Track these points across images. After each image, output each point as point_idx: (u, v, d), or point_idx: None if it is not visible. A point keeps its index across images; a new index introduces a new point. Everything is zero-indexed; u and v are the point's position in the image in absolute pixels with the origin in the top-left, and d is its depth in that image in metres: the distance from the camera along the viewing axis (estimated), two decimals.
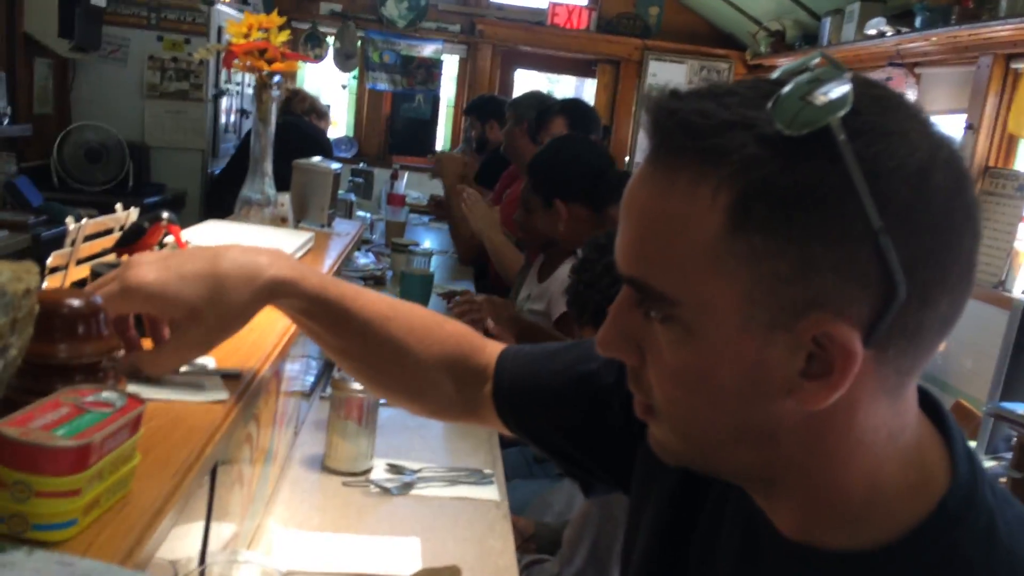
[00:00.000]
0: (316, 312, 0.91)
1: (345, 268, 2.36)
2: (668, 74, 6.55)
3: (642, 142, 6.64)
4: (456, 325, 1.00)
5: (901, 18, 3.87)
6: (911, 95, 3.92)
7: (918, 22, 3.70)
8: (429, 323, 0.97)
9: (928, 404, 0.63)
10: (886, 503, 0.58)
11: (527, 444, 0.97)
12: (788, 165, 0.52)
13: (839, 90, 0.52)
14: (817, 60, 0.56)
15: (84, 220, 1.12)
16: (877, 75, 4.03)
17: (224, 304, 0.86)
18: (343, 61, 6.34)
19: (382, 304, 0.95)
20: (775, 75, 0.58)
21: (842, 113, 0.52)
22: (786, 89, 0.53)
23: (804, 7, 5.14)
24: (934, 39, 3.70)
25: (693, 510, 0.73)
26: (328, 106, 4.72)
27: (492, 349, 0.98)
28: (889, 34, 3.90)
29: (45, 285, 1.04)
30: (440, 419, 1.05)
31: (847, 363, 0.54)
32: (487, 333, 2.00)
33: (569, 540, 1.56)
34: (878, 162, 0.52)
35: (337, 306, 0.91)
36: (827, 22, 4.75)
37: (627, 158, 6.56)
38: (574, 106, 3.30)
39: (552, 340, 2.12)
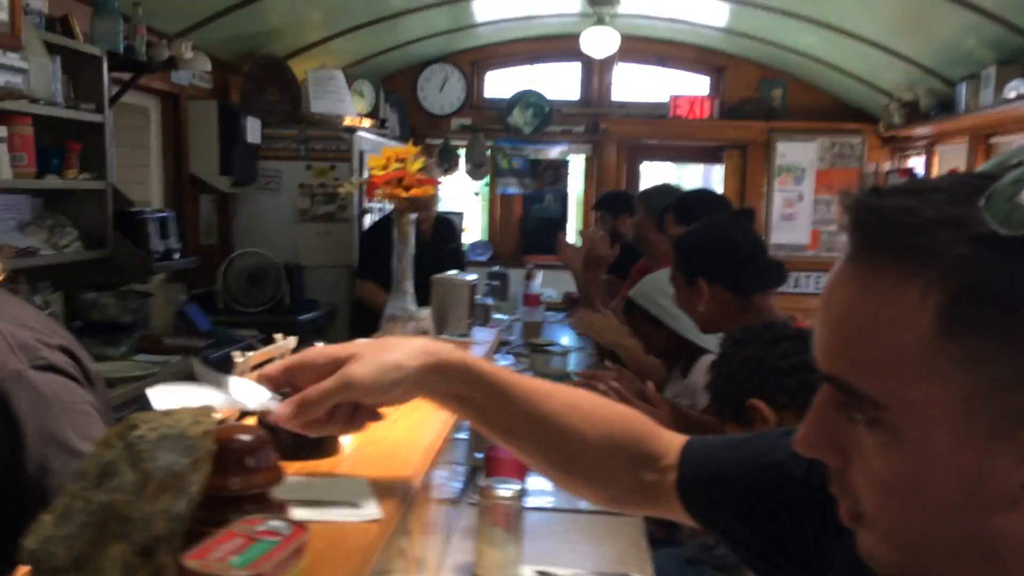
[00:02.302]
0: (473, 383, 0.92)
1: None
2: (797, 153, 6.48)
3: (777, 221, 6.54)
4: (624, 408, 0.99)
5: None
6: None
7: None
8: (594, 402, 0.97)
9: None
10: None
11: (715, 537, 0.94)
12: (1005, 266, 0.49)
13: None
14: None
15: (250, 353, 1.23)
16: (1022, 139, 3.85)
17: (384, 350, 0.90)
18: (475, 170, 6.64)
19: (541, 383, 0.97)
20: (985, 168, 0.56)
21: None
22: (998, 186, 0.51)
23: (937, 75, 5.00)
24: None
25: None
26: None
27: (670, 437, 0.96)
28: None
29: (217, 416, 1.14)
30: (619, 507, 1.04)
31: None
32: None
33: None
34: None
35: (493, 379, 0.93)
36: (962, 88, 4.60)
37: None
38: (684, 201, 3.23)
39: (700, 422, 2.10)
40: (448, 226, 4.56)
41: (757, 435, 0.94)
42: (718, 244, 2.20)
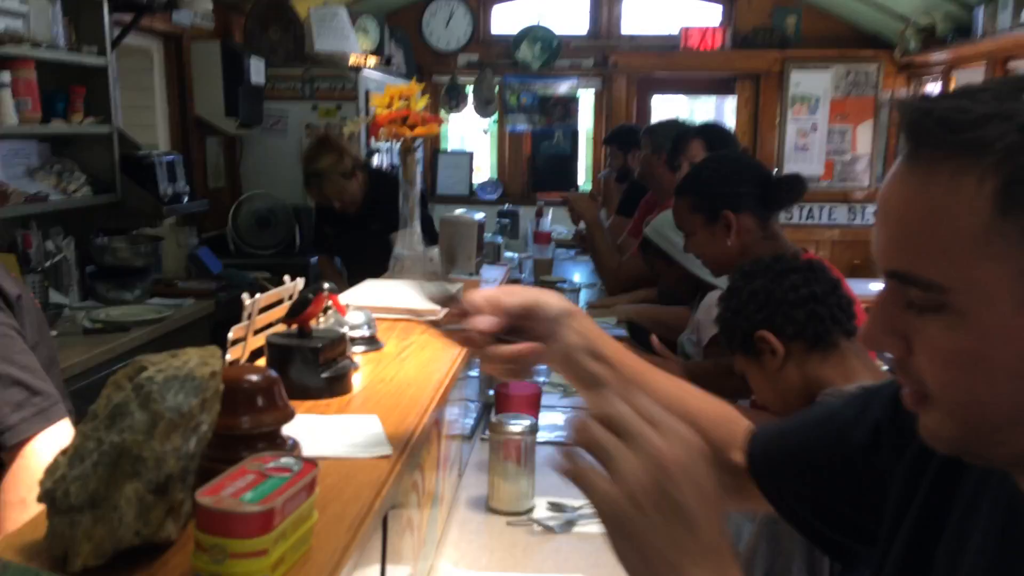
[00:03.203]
0: (599, 344, 0.95)
1: None
2: (812, 82, 6.36)
3: (790, 152, 6.46)
4: (716, 405, 1.00)
5: None
6: None
7: None
8: (694, 396, 0.99)
9: None
10: None
11: (790, 524, 0.95)
12: None
13: None
14: None
15: (258, 295, 1.24)
16: None
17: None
18: (483, 107, 6.56)
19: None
20: None
21: None
22: None
23: None
24: None
25: (946, 508, 0.73)
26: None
27: (735, 427, 0.98)
28: None
29: (228, 357, 1.16)
30: None
31: None
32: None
33: None
34: None
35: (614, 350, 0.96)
36: (980, 12, 4.49)
37: (775, 170, 6.38)
38: (711, 129, 3.28)
39: (714, 370, 2.12)
40: (382, 185, 3.59)
41: (818, 408, 0.97)
42: (734, 172, 2.12)
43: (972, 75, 5.14)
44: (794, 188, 2.10)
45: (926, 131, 0.60)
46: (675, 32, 6.41)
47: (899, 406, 0.72)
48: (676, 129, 3.39)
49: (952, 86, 5.54)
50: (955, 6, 4.92)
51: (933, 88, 5.93)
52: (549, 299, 0.95)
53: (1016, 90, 0.58)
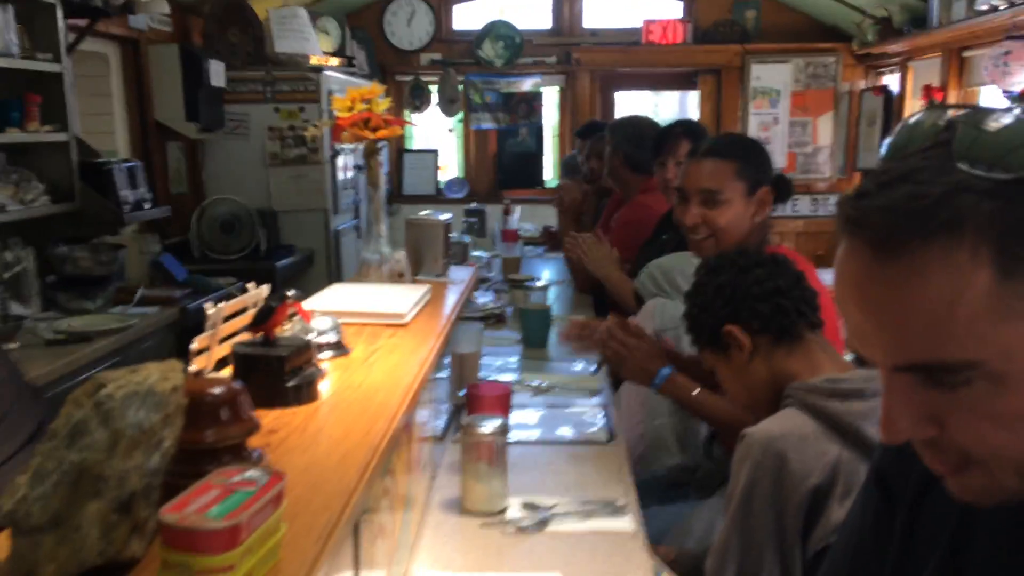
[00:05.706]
0: None
1: (465, 309, 2.44)
2: (772, 75, 6.42)
3: None
4: None
5: None
6: None
7: None
8: None
9: None
10: None
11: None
12: (1020, 201, 0.56)
13: None
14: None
15: (221, 304, 1.22)
16: (995, 50, 3.82)
17: None
18: (447, 106, 6.54)
19: None
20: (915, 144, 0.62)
21: None
22: (959, 142, 0.58)
23: None
24: None
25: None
26: None
27: None
28: (1003, 7, 3.70)
29: (192, 368, 1.14)
30: None
31: None
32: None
33: (712, 570, 1.55)
34: None
35: None
36: (935, 2, 4.56)
37: None
38: (690, 125, 3.19)
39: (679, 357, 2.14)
40: None
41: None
42: (767, 156, 2.11)
43: (929, 65, 5.22)
44: (789, 187, 2.10)
45: (894, 226, 0.58)
46: (637, 26, 6.44)
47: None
48: (636, 130, 3.35)
49: (910, 76, 5.62)
50: None
51: (891, 80, 6.01)
52: None
53: (943, 156, 0.58)
